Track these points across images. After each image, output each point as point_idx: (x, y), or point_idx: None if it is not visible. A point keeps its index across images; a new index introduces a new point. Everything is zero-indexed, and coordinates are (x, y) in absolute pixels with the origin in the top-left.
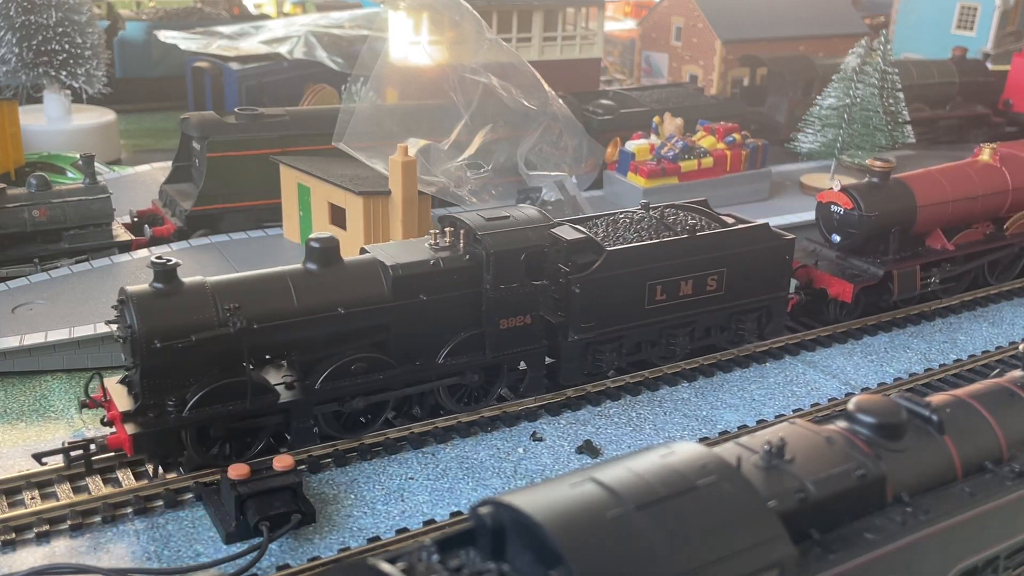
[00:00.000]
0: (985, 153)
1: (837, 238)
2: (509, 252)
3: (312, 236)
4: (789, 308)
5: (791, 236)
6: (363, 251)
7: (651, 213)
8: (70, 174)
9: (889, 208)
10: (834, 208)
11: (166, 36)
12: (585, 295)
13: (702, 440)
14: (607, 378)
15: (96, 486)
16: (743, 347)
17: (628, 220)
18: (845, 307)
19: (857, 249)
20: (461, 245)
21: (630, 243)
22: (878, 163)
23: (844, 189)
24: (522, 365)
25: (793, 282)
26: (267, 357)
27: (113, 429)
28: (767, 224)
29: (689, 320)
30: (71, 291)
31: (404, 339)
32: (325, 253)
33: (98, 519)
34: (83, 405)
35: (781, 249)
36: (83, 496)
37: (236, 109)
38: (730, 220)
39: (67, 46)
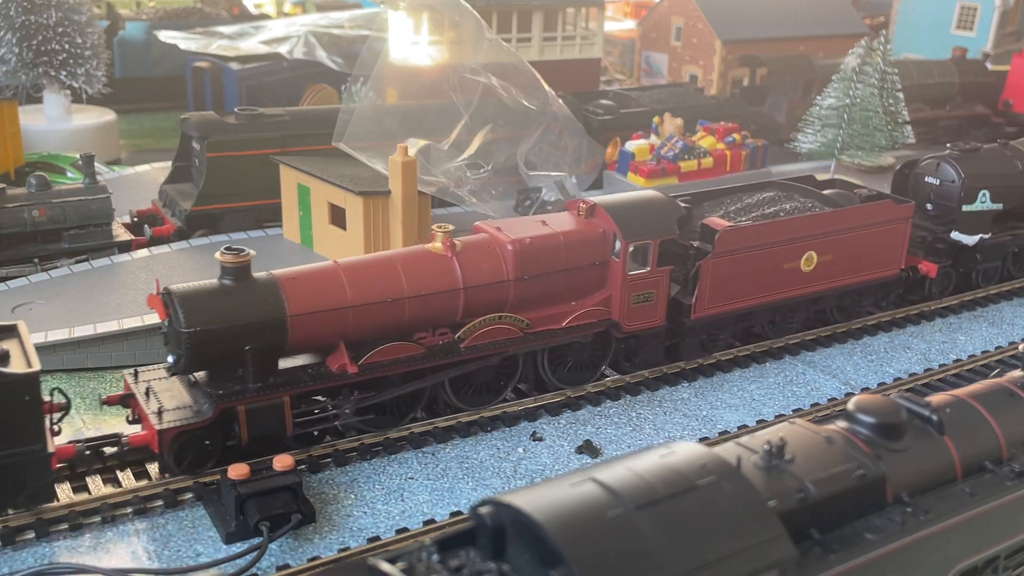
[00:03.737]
0: (437, 239)
1: None
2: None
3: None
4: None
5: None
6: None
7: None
8: (70, 174)
9: (224, 318)
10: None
11: (166, 36)
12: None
13: (702, 440)
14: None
15: (96, 486)
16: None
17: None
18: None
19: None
20: None
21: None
22: (228, 256)
23: (162, 293)
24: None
25: None
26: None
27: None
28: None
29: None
30: (71, 291)
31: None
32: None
33: (98, 519)
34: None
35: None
36: (83, 496)
37: (236, 109)
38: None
39: (67, 46)
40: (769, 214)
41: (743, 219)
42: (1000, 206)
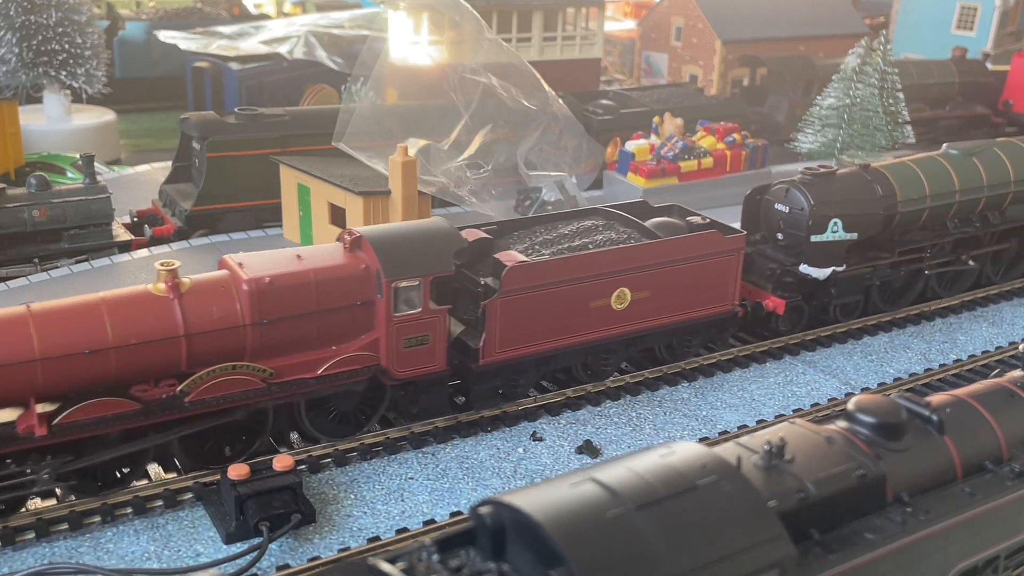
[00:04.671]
0: (160, 278)
1: None
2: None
3: None
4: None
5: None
6: None
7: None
8: (70, 174)
9: None
10: None
11: (166, 36)
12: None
13: (702, 440)
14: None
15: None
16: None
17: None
18: None
19: None
20: None
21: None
22: None
23: None
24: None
25: None
26: None
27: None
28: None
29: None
30: (71, 291)
31: None
32: None
33: (98, 519)
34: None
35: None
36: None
37: (236, 109)
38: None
39: (67, 46)
40: (576, 247)
41: (547, 252)
42: (855, 236)
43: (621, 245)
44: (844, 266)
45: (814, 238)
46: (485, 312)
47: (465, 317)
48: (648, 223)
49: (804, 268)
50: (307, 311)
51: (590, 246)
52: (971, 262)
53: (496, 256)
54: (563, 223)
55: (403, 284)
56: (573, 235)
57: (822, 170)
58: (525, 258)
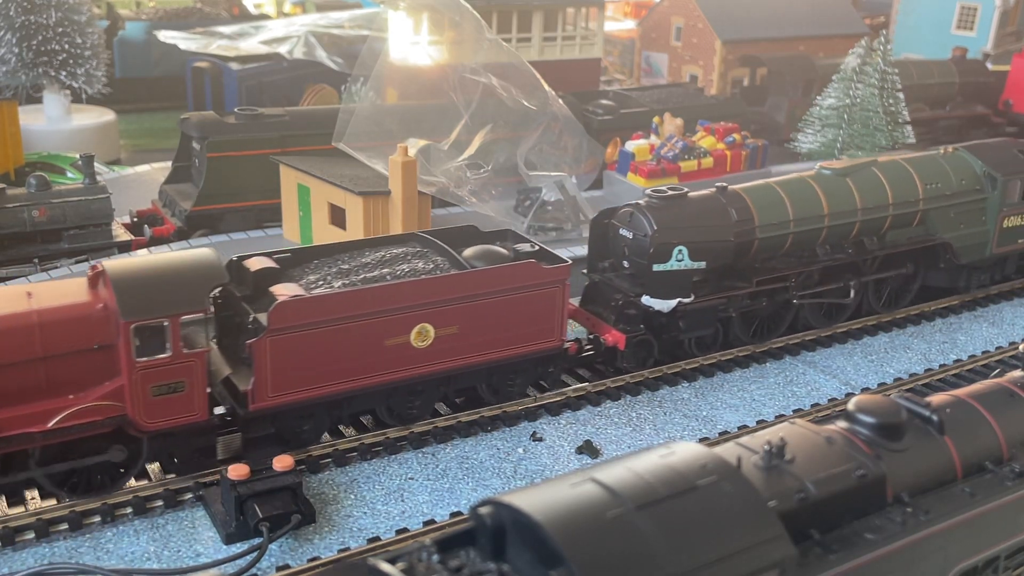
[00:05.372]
0: None
1: None
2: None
3: None
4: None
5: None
6: None
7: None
8: (70, 174)
9: None
10: None
11: (166, 36)
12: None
13: (702, 440)
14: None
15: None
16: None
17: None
18: None
19: None
20: None
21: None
22: None
23: None
24: None
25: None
26: None
27: None
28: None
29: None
30: None
31: None
32: None
33: (98, 519)
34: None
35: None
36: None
37: (236, 109)
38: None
39: (67, 46)
40: (372, 278)
41: (339, 283)
42: (703, 264)
43: (423, 276)
44: (692, 297)
45: (657, 267)
46: (252, 352)
47: (244, 356)
48: (466, 252)
49: (646, 300)
50: (30, 357)
51: (388, 277)
52: (852, 292)
53: (271, 289)
54: (371, 250)
55: (144, 324)
56: (374, 265)
57: (671, 192)
58: (300, 292)
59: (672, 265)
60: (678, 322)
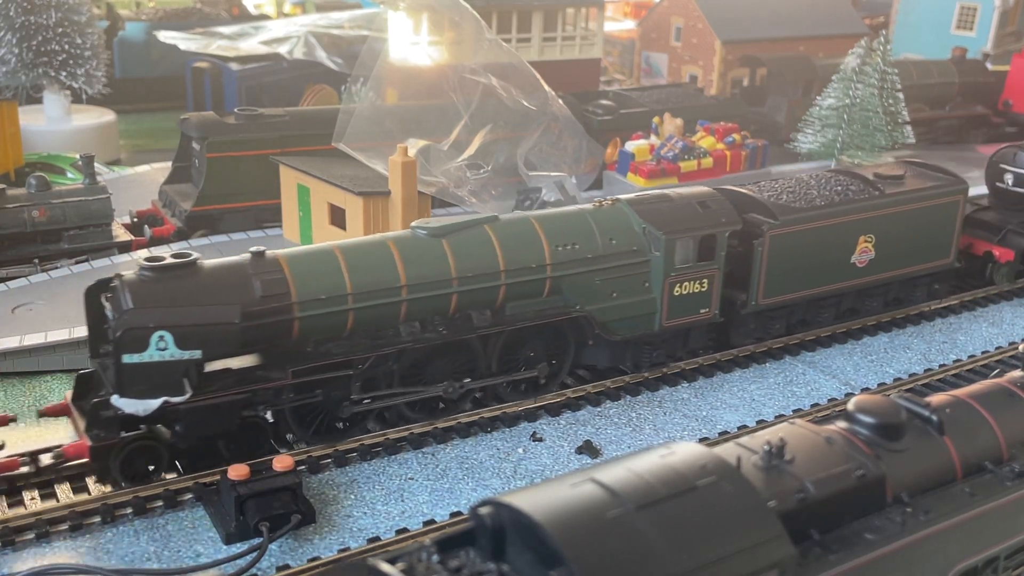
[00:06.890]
0: None
1: None
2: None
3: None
4: None
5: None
6: None
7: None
8: (70, 174)
9: None
10: None
11: (166, 36)
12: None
13: (702, 440)
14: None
15: (96, 486)
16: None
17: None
18: None
19: None
20: None
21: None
22: None
23: None
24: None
25: None
26: None
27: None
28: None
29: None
30: (71, 291)
31: None
32: None
33: (98, 519)
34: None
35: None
36: (83, 496)
37: (236, 109)
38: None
39: (67, 46)
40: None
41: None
42: (197, 354)
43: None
44: (188, 394)
45: (127, 358)
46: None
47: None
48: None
49: (115, 400)
50: None
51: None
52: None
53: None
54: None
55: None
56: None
57: (173, 261)
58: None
59: (152, 356)
60: (174, 427)
